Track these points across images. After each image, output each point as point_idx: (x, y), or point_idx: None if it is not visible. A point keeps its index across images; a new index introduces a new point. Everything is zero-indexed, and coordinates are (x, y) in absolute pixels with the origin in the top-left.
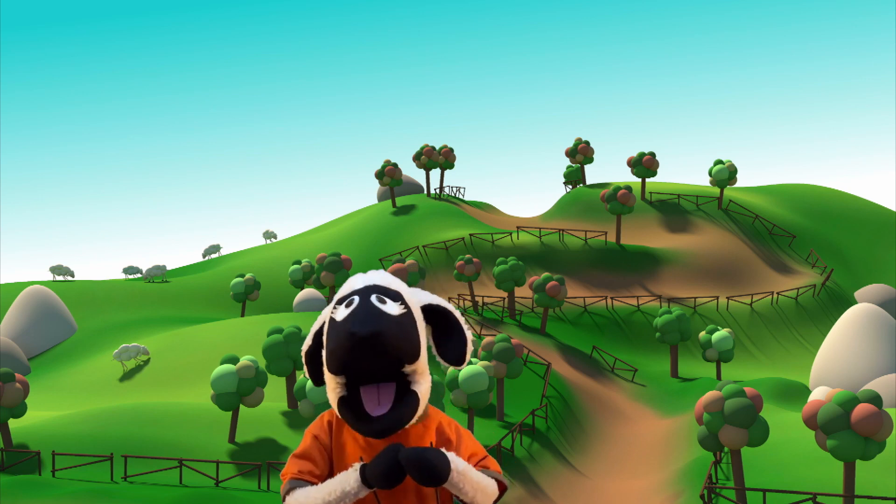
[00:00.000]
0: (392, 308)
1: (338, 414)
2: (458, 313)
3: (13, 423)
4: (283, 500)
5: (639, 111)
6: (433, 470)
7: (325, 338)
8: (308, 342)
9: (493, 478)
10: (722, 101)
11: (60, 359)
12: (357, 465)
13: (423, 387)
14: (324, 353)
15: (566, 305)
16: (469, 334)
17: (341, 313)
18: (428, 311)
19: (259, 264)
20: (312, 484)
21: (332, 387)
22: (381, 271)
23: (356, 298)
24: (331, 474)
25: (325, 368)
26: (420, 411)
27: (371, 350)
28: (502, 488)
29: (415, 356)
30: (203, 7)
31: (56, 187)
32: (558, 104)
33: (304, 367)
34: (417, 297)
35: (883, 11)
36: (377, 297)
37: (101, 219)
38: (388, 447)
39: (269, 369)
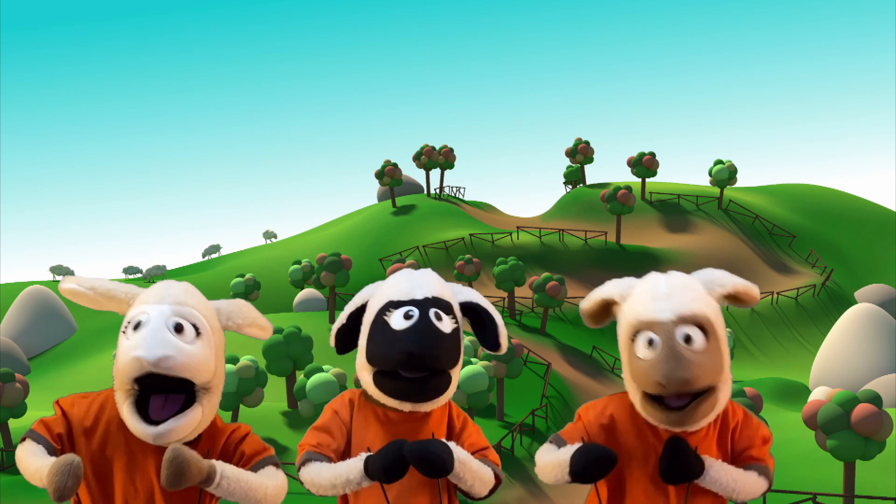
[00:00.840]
0: (447, 325)
1: (371, 385)
2: (489, 305)
3: (13, 423)
4: (298, 469)
5: (639, 111)
6: (437, 462)
7: (367, 329)
8: (342, 321)
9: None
10: (722, 101)
11: (60, 359)
12: (363, 455)
13: (455, 374)
14: (362, 341)
15: (566, 305)
16: (501, 322)
17: (398, 321)
18: (464, 307)
19: (259, 264)
20: (327, 458)
21: (368, 368)
22: (430, 274)
23: (416, 312)
24: (347, 450)
25: (360, 355)
26: (450, 392)
27: (422, 365)
28: (497, 480)
29: (455, 364)
30: (203, 7)
31: (56, 187)
32: (558, 104)
33: (332, 340)
34: (457, 297)
35: (883, 11)
36: (435, 312)
37: (101, 219)
38: (391, 442)
39: (269, 369)
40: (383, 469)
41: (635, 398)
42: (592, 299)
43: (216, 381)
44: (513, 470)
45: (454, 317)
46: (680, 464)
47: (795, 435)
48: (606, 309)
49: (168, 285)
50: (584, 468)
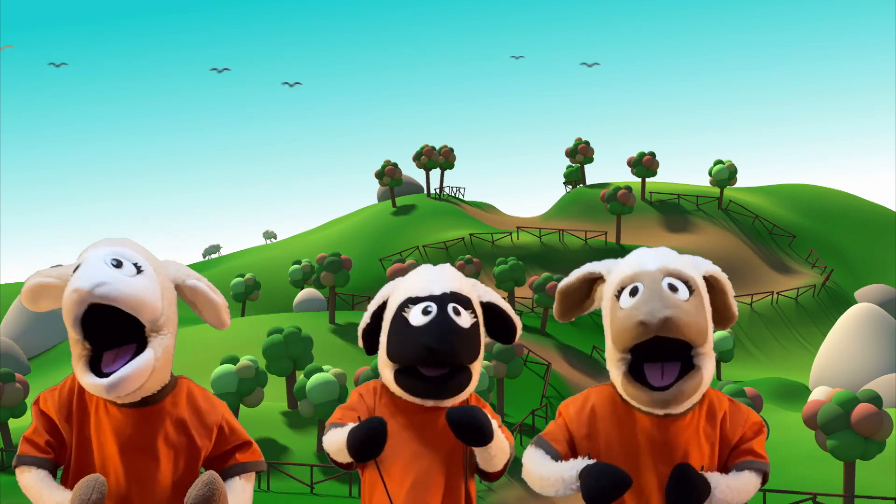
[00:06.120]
0: (465, 320)
1: (392, 383)
2: (507, 307)
3: (13, 423)
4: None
5: (639, 111)
6: (481, 430)
7: (387, 326)
8: (367, 320)
9: None
10: (722, 101)
11: (60, 359)
12: (351, 425)
13: (476, 369)
14: (383, 338)
15: None
16: (518, 321)
17: (416, 317)
18: (484, 306)
19: (259, 264)
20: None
21: (389, 365)
22: (448, 269)
23: (434, 308)
24: None
25: (381, 351)
26: (472, 388)
27: (442, 361)
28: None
29: (475, 358)
30: (203, 7)
31: (56, 187)
32: (558, 104)
33: (360, 341)
34: (477, 293)
35: (883, 11)
36: (453, 307)
37: (100, 219)
38: (370, 419)
39: (269, 369)
40: (353, 444)
41: (617, 379)
42: (575, 275)
43: (165, 321)
44: (513, 470)
45: (473, 311)
46: (688, 493)
47: (795, 435)
48: (588, 288)
49: (106, 240)
50: (601, 493)
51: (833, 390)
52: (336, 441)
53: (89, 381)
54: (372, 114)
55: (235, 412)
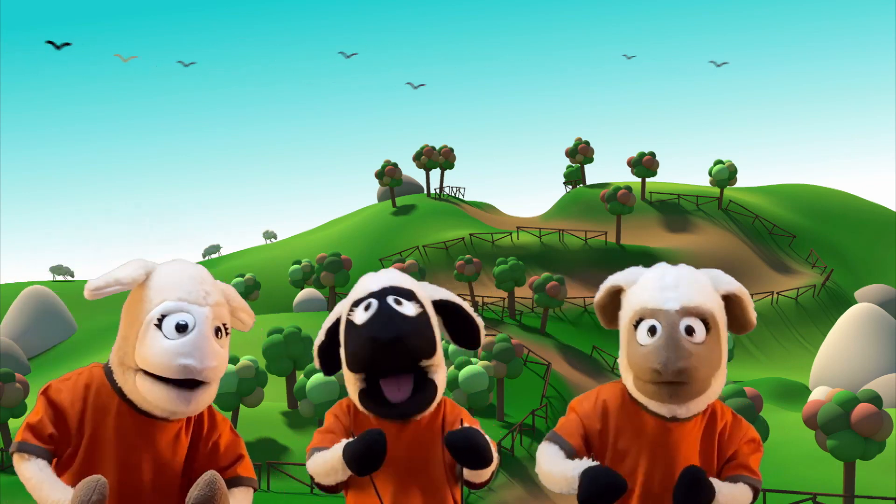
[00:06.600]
0: (408, 309)
1: (358, 405)
2: (465, 304)
3: (13, 423)
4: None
5: (639, 111)
6: (481, 453)
7: (342, 337)
8: (321, 337)
9: None
10: (722, 101)
11: (60, 359)
12: (343, 441)
13: (439, 377)
14: (341, 351)
15: (566, 305)
16: (479, 320)
17: (360, 316)
18: (437, 305)
19: (259, 264)
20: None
21: (352, 381)
22: (393, 270)
23: (374, 301)
24: None
25: (343, 366)
26: (438, 399)
27: (392, 353)
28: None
29: (432, 352)
30: (203, 7)
31: (56, 187)
32: (558, 104)
33: (316, 360)
34: (427, 293)
35: (883, 11)
36: (394, 298)
37: (101, 219)
38: (368, 431)
39: (269, 369)
40: (354, 458)
41: (628, 381)
42: (602, 290)
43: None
44: (513, 470)
45: (419, 304)
46: (696, 495)
47: (795, 435)
48: (615, 299)
49: (201, 280)
50: (594, 497)
51: (833, 390)
52: (322, 463)
53: (168, 396)
54: (372, 114)
55: (235, 412)
